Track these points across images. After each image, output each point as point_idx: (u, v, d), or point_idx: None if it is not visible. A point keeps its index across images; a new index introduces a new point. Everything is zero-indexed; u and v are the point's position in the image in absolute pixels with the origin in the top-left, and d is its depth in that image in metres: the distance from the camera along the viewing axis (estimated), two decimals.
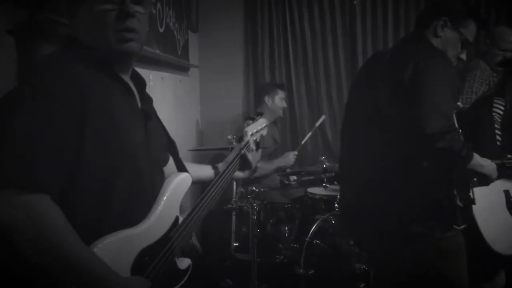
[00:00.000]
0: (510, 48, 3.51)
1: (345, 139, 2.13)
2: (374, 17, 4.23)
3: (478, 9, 2.10)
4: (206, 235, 4.05)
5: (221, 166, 1.74)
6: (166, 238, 1.35)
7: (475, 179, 1.93)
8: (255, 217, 2.92)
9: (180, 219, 1.42)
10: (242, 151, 1.73)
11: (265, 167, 3.54)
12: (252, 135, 1.83)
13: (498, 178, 1.97)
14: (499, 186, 2.58)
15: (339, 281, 3.10)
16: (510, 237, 2.14)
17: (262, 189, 3.02)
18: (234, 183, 3.00)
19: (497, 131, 2.60)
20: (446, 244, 1.90)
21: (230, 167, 1.68)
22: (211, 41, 4.34)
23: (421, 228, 1.86)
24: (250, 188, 2.94)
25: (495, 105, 2.64)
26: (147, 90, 1.45)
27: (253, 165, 1.76)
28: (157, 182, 1.39)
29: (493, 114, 2.61)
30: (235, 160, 1.70)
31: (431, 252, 1.89)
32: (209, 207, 1.52)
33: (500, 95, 2.66)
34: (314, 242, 3.17)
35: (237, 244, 3.12)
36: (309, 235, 3.16)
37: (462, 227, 2.06)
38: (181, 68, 3.63)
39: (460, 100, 3.41)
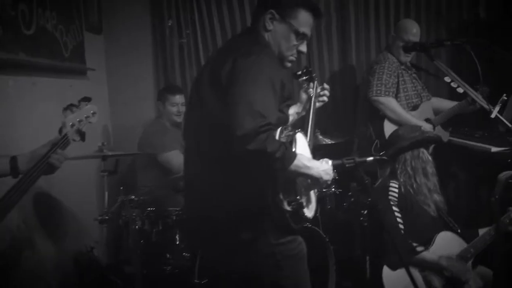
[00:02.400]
0: (412, 39, 3.47)
1: (186, 140, 1.99)
2: None
3: None
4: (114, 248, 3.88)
5: (21, 158, 1.62)
6: None
7: (309, 181, 1.82)
8: (136, 227, 2.77)
9: None
10: (56, 148, 1.64)
11: None
12: (73, 125, 1.71)
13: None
14: None
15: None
16: None
17: (142, 198, 2.86)
18: (106, 193, 2.84)
19: (396, 214, 2.65)
20: (280, 251, 1.79)
21: (38, 165, 1.57)
22: (118, 42, 4.17)
23: (251, 235, 1.76)
24: (128, 197, 2.78)
25: (390, 189, 2.71)
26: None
27: (58, 166, 1.65)
28: None
29: (390, 198, 2.68)
30: (45, 156, 1.63)
31: (264, 259, 1.79)
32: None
33: (395, 178, 2.74)
34: None
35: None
36: None
37: None
38: (71, 71, 3.44)
39: (373, 92, 3.35)
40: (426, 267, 2.60)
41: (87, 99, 1.94)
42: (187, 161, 1.94)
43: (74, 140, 1.77)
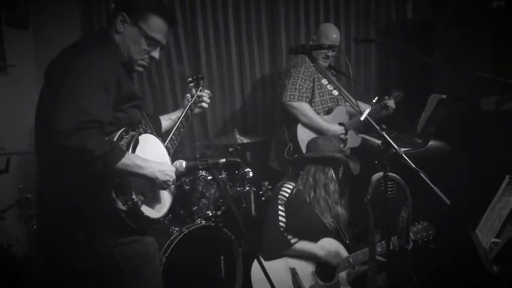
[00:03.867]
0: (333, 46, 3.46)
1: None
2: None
3: (162, 4, 1.98)
4: None
5: None
6: None
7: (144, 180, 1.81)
8: (34, 227, 2.76)
9: None
10: None
11: None
12: None
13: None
14: None
15: None
16: None
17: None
18: None
19: (280, 212, 2.75)
20: (121, 251, 1.79)
21: None
22: (49, 40, 4.13)
23: (86, 235, 1.75)
24: (24, 195, 2.77)
25: (283, 188, 2.83)
26: None
27: None
28: None
29: (279, 197, 2.81)
30: None
31: (103, 260, 1.79)
32: None
33: (293, 181, 2.85)
34: None
35: None
36: None
37: None
38: None
39: (291, 96, 3.34)
40: (302, 256, 2.69)
41: None
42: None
43: None
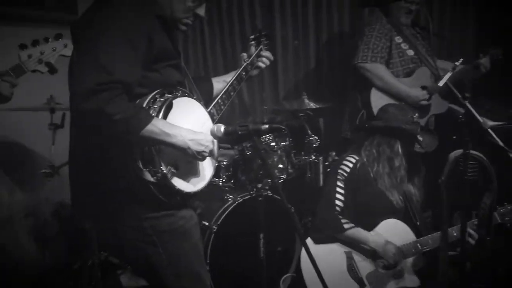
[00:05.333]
0: None
1: None
2: None
3: None
4: None
5: None
6: None
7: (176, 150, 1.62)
8: None
9: None
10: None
11: None
12: (30, 56, 1.83)
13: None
14: None
15: None
16: None
17: None
18: (52, 147, 2.81)
19: (338, 189, 2.50)
20: (152, 225, 1.65)
21: None
22: None
23: (111, 207, 1.63)
24: None
25: (344, 162, 2.55)
26: None
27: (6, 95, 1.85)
28: None
29: (339, 171, 2.52)
30: None
31: (134, 233, 1.66)
32: None
33: (357, 154, 2.57)
34: None
35: None
36: None
37: None
38: (54, 21, 3.32)
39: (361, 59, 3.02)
40: (355, 244, 2.43)
41: (58, 36, 1.96)
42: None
43: (40, 72, 1.82)
